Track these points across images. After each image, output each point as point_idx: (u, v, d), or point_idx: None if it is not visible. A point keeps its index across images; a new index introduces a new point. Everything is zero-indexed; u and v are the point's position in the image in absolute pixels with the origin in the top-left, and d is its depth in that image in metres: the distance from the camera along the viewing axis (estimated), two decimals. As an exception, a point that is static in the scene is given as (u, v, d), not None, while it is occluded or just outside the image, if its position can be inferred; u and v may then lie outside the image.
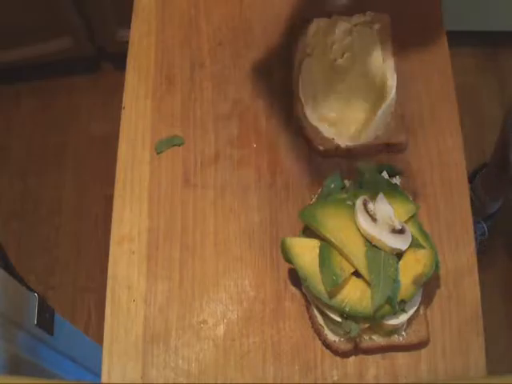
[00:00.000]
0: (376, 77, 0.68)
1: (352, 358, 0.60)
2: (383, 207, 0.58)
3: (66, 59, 1.57)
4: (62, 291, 1.43)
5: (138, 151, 0.71)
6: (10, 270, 0.89)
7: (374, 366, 0.60)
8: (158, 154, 0.70)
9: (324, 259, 0.58)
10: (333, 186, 0.64)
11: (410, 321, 0.59)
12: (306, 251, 0.59)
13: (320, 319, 0.60)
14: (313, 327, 0.61)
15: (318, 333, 0.60)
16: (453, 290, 0.62)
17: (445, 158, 0.68)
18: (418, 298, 0.59)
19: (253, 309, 0.63)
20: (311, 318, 0.61)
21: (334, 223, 0.58)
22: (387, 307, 0.56)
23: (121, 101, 0.73)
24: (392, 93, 0.66)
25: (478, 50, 1.59)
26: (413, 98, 0.70)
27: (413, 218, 0.61)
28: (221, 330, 0.62)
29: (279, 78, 0.73)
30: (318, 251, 0.58)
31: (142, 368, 0.61)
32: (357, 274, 0.57)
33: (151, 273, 0.65)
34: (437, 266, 0.59)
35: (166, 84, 0.74)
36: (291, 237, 0.61)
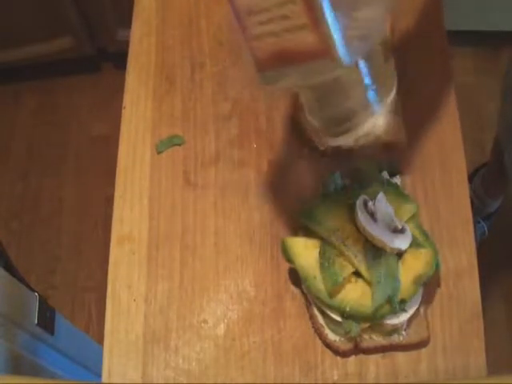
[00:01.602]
0: (376, 77, 0.68)
1: (352, 358, 0.60)
2: (383, 207, 0.58)
3: (66, 59, 1.57)
4: (63, 291, 1.44)
5: (138, 151, 0.71)
6: (11, 269, 0.89)
7: (374, 365, 0.60)
8: (158, 153, 0.70)
9: (324, 259, 0.58)
10: (333, 186, 0.64)
11: (410, 320, 0.59)
12: (306, 251, 0.59)
13: (320, 319, 0.60)
14: (313, 327, 0.61)
15: (319, 332, 0.60)
16: (453, 289, 0.62)
17: (445, 157, 0.68)
18: (419, 298, 0.59)
19: (253, 308, 0.63)
20: (311, 317, 0.61)
21: (334, 223, 0.58)
22: (387, 307, 0.56)
23: (121, 101, 0.73)
24: (392, 92, 0.66)
25: (478, 49, 1.59)
26: (413, 97, 0.70)
27: (413, 217, 0.61)
28: (221, 329, 0.62)
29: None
30: (318, 251, 0.59)
31: (143, 368, 0.61)
32: (357, 273, 0.57)
33: (151, 273, 0.65)
34: (437, 266, 0.59)
35: (167, 84, 0.74)
36: (291, 237, 0.61)
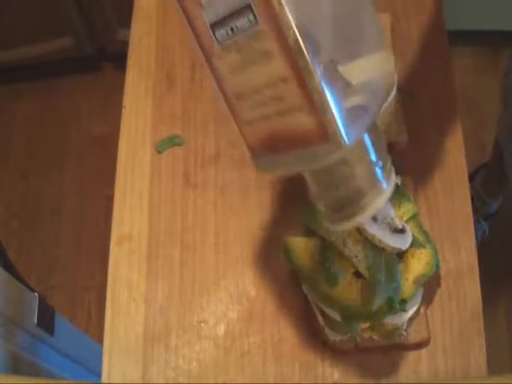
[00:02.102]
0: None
1: (352, 358, 0.60)
2: (383, 207, 0.58)
3: (66, 59, 1.57)
4: (63, 291, 1.43)
5: (138, 151, 0.71)
6: (11, 269, 0.89)
7: (374, 365, 0.60)
8: (158, 153, 0.70)
9: (324, 259, 0.57)
10: (333, 185, 0.64)
11: (410, 320, 0.59)
12: (306, 251, 0.59)
13: (320, 319, 0.60)
14: (313, 327, 0.61)
15: (318, 332, 0.60)
16: (453, 289, 0.62)
17: (445, 157, 0.68)
18: (419, 298, 0.59)
19: (253, 308, 0.63)
20: (311, 317, 0.61)
21: (334, 223, 0.58)
22: (387, 307, 0.56)
23: (121, 101, 0.73)
24: (392, 92, 0.66)
25: (478, 49, 1.59)
26: (413, 97, 0.70)
27: (413, 217, 0.61)
28: (221, 329, 0.62)
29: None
30: (318, 251, 0.58)
31: (143, 368, 0.61)
32: (357, 273, 0.57)
33: (151, 272, 0.65)
34: (437, 266, 0.59)
35: (167, 83, 0.74)
36: (291, 237, 0.61)
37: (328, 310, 0.58)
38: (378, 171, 0.43)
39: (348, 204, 0.43)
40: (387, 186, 0.43)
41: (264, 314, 0.62)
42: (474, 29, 1.51)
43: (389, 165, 0.44)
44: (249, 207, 0.67)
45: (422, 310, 0.60)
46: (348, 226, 0.44)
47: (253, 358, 0.60)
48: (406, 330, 0.59)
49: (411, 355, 0.60)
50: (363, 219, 0.43)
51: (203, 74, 0.74)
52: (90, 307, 1.42)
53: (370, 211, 0.43)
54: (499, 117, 1.05)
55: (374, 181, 0.43)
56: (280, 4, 0.34)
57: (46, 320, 0.87)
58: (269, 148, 0.41)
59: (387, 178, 0.43)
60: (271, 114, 0.39)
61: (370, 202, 0.43)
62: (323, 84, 0.36)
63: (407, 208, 0.60)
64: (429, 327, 0.60)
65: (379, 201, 0.43)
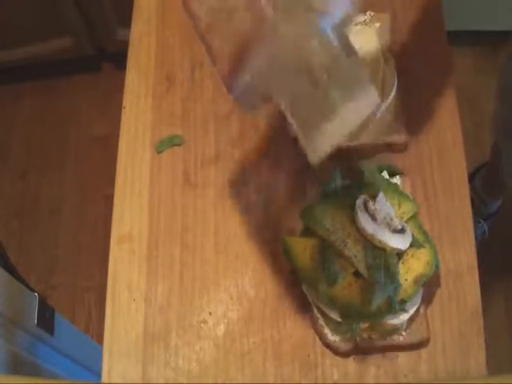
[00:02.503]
0: (376, 76, 0.68)
1: (352, 358, 0.60)
2: (383, 207, 0.58)
3: (66, 59, 1.57)
4: (63, 291, 1.43)
5: (138, 151, 0.71)
6: (11, 269, 0.89)
7: (374, 365, 0.60)
8: (158, 153, 0.70)
9: (324, 259, 0.58)
10: (333, 185, 0.64)
11: (410, 320, 0.59)
12: (306, 251, 0.59)
13: (320, 319, 0.60)
14: (313, 327, 0.61)
15: (318, 332, 0.60)
16: (453, 289, 0.62)
17: (445, 157, 0.68)
18: (419, 298, 0.59)
19: (253, 308, 0.63)
20: (311, 317, 0.61)
21: (333, 223, 0.58)
22: (387, 307, 0.56)
23: (121, 101, 0.73)
24: (392, 92, 0.66)
25: (477, 49, 1.59)
26: (413, 97, 0.70)
27: (413, 217, 0.61)
28: (221, 329, 0.62)
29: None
30: (318, 251, 0.58)
31: (143, 368, 0.61)
32: (357, 273, 0.57)
33: (151, 272, 0.65)
34: (437, 266, 0.59)
35: (167, 83, 0.74)
36: (291, 237, 0.61)
37: (328, 310, 0.58)
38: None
39: (322, 120, 0.42)
40: (371, 97, 0.42)
41: (264, 314, 0.62)
42: (473, 29, 1.51)
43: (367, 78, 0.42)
44: (248, 207, 0.67)
45: (421, 310, 0.60)
46: (326, 145, 0.43)
47: (253, 358, 0.61)
48: (405, 330, 0.59)
49: (411, 355, 0.60)
50: (342, 133, 0.42)
51: (203, 73, 0.75)
52: (90, 307, 1.42)
53: (349, 113, 0.41)
54: (495, 117, 1.05)
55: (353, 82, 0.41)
56: None
57: (46, 320, 0.87)
58: (243, 56, 0.40)
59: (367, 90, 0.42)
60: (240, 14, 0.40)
61: (350, 113, 0.41)
62: None
63: (407, 208, 0.61)
64: (429, 327, 0.60)
65: (361, 104, 0.42)
